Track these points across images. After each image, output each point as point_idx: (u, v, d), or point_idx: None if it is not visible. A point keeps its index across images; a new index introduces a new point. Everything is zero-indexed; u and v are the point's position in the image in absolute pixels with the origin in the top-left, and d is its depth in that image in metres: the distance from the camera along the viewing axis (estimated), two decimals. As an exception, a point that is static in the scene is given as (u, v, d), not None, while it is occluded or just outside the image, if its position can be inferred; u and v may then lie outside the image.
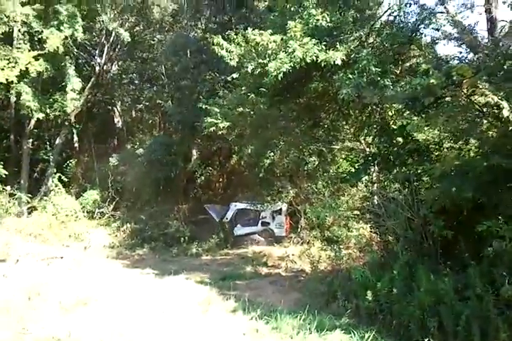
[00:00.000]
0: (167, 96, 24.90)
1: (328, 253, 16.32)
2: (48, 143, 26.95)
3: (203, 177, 31.86)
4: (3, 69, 16.79)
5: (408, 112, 10.02)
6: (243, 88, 11.97)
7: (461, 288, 7.59)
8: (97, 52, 26.05)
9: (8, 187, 18.90)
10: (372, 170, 11.94)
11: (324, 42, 9.80)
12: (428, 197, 9.30)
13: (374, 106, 11.31)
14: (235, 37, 10.84)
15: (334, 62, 9.51)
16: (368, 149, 12.53)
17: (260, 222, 20.75)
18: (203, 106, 13.53)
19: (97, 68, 26.25)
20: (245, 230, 20.76)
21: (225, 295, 10.55)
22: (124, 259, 17.42)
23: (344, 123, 13.19)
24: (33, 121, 23.77)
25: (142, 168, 23.79)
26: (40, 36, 18.95)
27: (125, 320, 8.08)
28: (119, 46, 26.06)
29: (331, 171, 20.77)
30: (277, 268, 15.12)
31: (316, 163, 18.15)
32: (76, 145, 29.85)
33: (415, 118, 9.70)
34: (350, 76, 9.52)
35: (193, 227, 21.36)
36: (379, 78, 9.54)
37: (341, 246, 17.81)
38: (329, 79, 10.67)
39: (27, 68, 18.22)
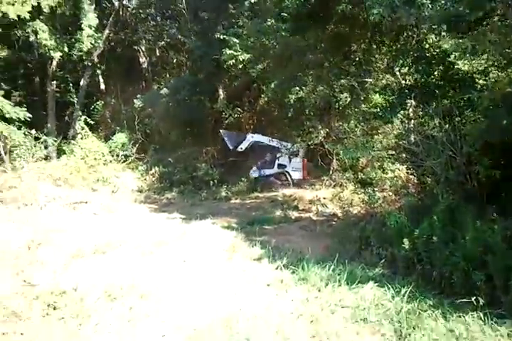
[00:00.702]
0: (189, 32, 23.50)
1: (361, 196, 15.71)
2: (72, 85, 26.27)
3: (231, 118, 31.28)
4: (13, 4, 15.79)
5: (450, 35, 8.67)
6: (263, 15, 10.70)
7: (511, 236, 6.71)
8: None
9: (34, 131, 18.44)
10: (409, 104, 10.74)
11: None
12: (472, 132, 8.24)
13: (410, 30, 9.92)
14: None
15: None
16: (403, 81, 11.27)
17: (277, 163, 19.91)
18: (221, 37, 12.26)
19: (116, 3, 24.92)
20: (261, 172, 19.97)
21: (252, 241, 10.01)
22: (152, 203, 17.14)
23: (377, 52, 11.74)
24: (54, 62, 23.13)
25: (167, 109, 23.08)
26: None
27: (143, 269, 7.64)
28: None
29: (364, 108, 19.56)
30: (308, 212, 14.50)
31: (348, 99, 16.87)
32: (102, 87, 29.25)
33: (459, 40, 8.38)
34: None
35: (222, 170, 20.94)
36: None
37: (375, 189, 17.17)
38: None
39: (39, 3, 17.14)
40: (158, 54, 29.90)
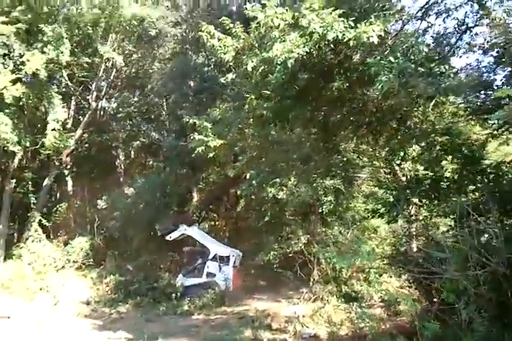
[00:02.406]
0: (166, 131, 22.59)
1: (347, 313, 13.37)
2: (35, 184, 24.44)
3: (206, 225, 29.31)
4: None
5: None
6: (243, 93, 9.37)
7: None
8: (93, 86, 24.08)
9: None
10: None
11: (353, 18, 7.08)
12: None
13: (422, 106, 8.41)
14: (230, 26, 8.36)
15: (368, 39, 6.75)
16: (403, 178, 9.69)
17: (206, 272, 17.83)
18: (190, 121, 10.70)
19: (93, 104, 24.21)
20: (190, 281, 17.75)
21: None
22: (98, 318, 14.34)
23: (374, 143, 10.23)
24: (16, 159, 21.56)
25: (131, 211, 21.21)
26: (21, 60, 16.95)
27: None
28: (115, 78, 24.20)
29: (349, 215, 17.97)
30: (284, 333, 11.91)
31: (332, 204, 15.30)
32: (70, 188, 27.44)
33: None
34: (391, 59, 6.87)
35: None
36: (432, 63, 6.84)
37: (363, 304, 14.91)
38: (359, 70, 7.82)
39: (1, 94, 16.03)
40: (132, 156, 28.74)
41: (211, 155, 9.62)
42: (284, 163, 10.45)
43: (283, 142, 10.19)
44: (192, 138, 9.89)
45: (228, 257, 17.76)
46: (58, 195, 28.10)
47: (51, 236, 23.53)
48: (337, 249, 17.50)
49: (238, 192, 24.99)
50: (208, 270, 17.73)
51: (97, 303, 16.65)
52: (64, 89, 23.59)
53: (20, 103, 18.12)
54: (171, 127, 22.08)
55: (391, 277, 17.44)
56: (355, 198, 17.83)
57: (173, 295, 16.80)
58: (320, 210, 16.13)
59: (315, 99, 8.55)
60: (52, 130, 18.74)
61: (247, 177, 11.48)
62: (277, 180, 12.19)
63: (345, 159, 11.22)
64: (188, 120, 10.53)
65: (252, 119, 9.26)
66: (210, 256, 17.83)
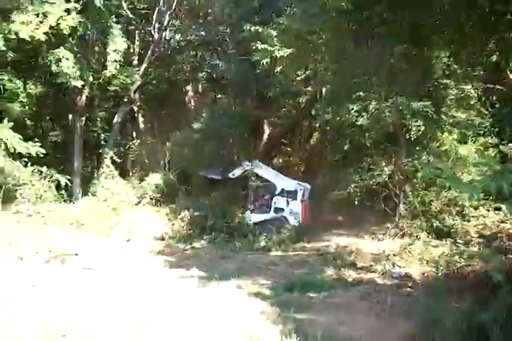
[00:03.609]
0: (231, 59, 20.93)
1: (440, 250, 11.80)
2: (103, 122, 24.13)
3: (280, 159, 28.11)
4: (27, 24, 13.77)
5: None
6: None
7: None
8: (154, 17, 22.64)
9: (45, 168, 15.94)
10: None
11: None
12: None
13: None
14: None
15: None
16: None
17: (273, 207, 16.81)
18: (251, 29, 8.95)
19: (156, 35, 22.89)
20: (258, 217, 16.89)
21: (287, 321, 6.46)
22: (172, 255, 13.82)
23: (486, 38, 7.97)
24: (84, 97, 21.07)
25: (201, 146, 20.28)
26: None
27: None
28: (177, 7, 22.56)
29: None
30: (370, 272, 10.69)
31: (420, 130, 13.32)
32: (141, 125, 27.03)
33: None
34: None
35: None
36: None
37: (458, 241, 13.39)
38: None
39: (58, 24, 15.03)
40: (200, 90, 27.51)
41: (278, 69, 8.01)
42: (364, 80, 8.55)
43: (362, 56, 8.27)
44: (254, 47, 8.16)
45: (296, 191, 16.56)
46: (132, 132, 27.81)
47: (126, 174, 23.60)
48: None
49: (312, 124, 23.84)
50: (276, 205, 16.81)
51: (172, 239, 16.27)
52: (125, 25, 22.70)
53: (78, 34, 17.07)
54: (235, 54, 20.29)
55: (488, 211, 15.71)
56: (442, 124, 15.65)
57: (248, 231, 16.10)
58: (406, 138, 14.20)
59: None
60: (113, 61, 17.67)
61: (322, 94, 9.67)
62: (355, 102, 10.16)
63: (435, 76, 9.13)
64: (249, 28, 8.82)
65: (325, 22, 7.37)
66: (277, 191, 16.82)
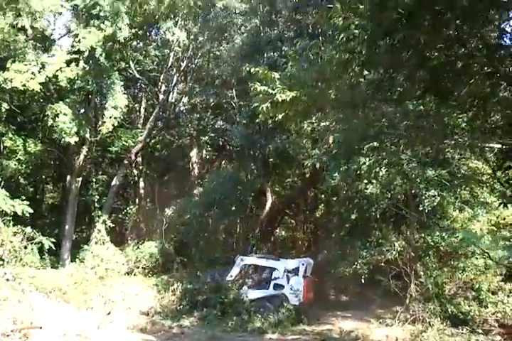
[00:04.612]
0: (235, 122, 20.63)
1: (457, 340, 11.25)
2: (100, 184, 23.40)
3: (283, 232, 26.94)
4: (21, 72, 13.48)
5: None
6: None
7: None
8: (161, 78, 22.69)
9: (29, 229, 14.91)
10: None
11: None
12: None
13: None
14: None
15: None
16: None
17: (273, 283, 15.42)
18: (248, 69, 8.02)
19: (161, 97, 22.80)
20: (255, 294, 15.41)
21: None
22: (155, 333, 12.41)
23: None
24: (82, 156, 20.48)
25: (203, 215, 19.40)
26: (77, 39, 15.69)
27: None
28: (184, 70, 22.68)
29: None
30: (380, 364, 9.24)
31: (435, 200, 12.36)
32: (141, 190, 26.28)
33: None
34: None
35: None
36: None
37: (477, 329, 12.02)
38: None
39: (56, 76, 14.77)
40: (204, 155, 27.01)
41: (280, 116, 7.14)
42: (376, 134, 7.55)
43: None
44: (253, 89, 7.28)
45: (297, 268, 15.44)
46: (131, 197, 27.06)
47: (121, 240, 22.48)
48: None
49: (318, 195, 22.97)
50: (276, 281, 15.47)
51: (158, 314, 14.75)
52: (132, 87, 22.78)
53: (76, 86, 16.81)
54: (240, 116, 20.00)
55: (508, 296, 14.29)
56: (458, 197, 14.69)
57: (243, 309, 14.65)
58: (419, 209, 13.21)
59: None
60: (111, 118, 17.25)
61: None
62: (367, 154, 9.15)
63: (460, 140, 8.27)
64: (248, 69, 8.00)
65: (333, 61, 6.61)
66: (280, 275, 15.52)
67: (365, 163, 8.45)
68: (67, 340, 9.62)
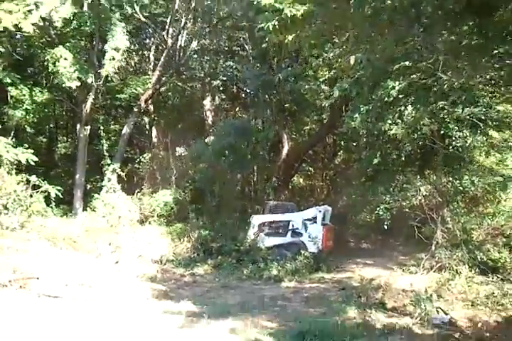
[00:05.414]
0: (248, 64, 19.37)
1: (487, 288, 9.98)
2: (110, 133, 22.63)
3: (301, 180, 26.11)
4: (10, 12, 12.32)
5: None
6: None
7: None
8: (168, 21, 21.19)
9: (34, 178, 14.26)
10: None
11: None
12: None
13: None
14: None
15: None
16: None
17: (290, 231, 14.96)
18: None
19: (169, 41, 21.39)
20: (272, 241, 14.94)
21: None
22: (166, 281, 11.88)
23: None
24: (89, 103, 19.51)
25: (216, 162, 18.59)
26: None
27: None
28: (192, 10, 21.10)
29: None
30: (404, 315, 8.45)
31: (469, 140, 11.21)
32: (154, 138, 25.45)
33: None
34: None
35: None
36: None
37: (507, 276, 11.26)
38: None
39: (51, 16, 13.63)
40: (217, 101, 25.83)
41: (290, 37, 5.94)
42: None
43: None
44: (256, 3, 6.07)
45: (315, 216, 14.83)
46: (142, 145, 26.31)
47: (135, 189, 21.99)
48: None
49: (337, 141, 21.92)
50: (293, 228, 14.94)
51: (171, 263, 14.32)
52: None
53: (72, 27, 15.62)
54: (251, 57, 18.71)
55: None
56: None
57: (259, 257, 14.07)
58: (447, 152, 12.11)
59: None
60: (111, 60, 16.12)
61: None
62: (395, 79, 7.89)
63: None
64: None
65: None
66: (297, 225, 14.98)
67: (394, 88, 7.31)
68: (69, 290, 9.00)
